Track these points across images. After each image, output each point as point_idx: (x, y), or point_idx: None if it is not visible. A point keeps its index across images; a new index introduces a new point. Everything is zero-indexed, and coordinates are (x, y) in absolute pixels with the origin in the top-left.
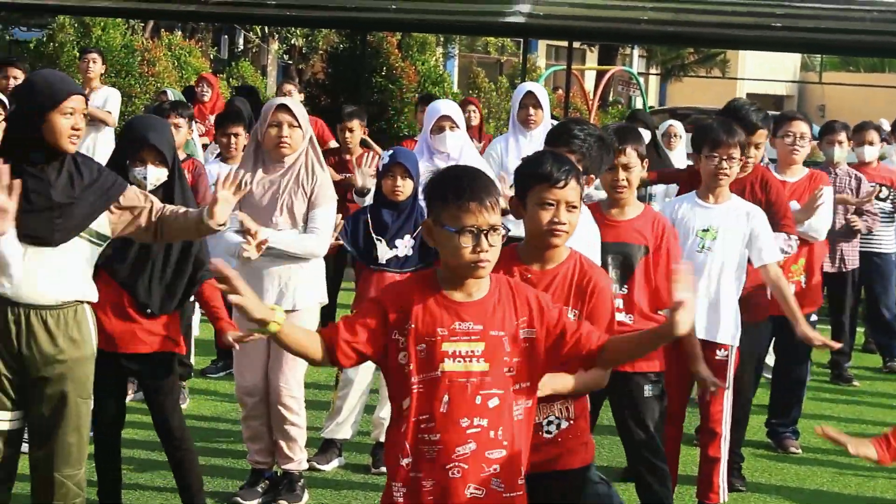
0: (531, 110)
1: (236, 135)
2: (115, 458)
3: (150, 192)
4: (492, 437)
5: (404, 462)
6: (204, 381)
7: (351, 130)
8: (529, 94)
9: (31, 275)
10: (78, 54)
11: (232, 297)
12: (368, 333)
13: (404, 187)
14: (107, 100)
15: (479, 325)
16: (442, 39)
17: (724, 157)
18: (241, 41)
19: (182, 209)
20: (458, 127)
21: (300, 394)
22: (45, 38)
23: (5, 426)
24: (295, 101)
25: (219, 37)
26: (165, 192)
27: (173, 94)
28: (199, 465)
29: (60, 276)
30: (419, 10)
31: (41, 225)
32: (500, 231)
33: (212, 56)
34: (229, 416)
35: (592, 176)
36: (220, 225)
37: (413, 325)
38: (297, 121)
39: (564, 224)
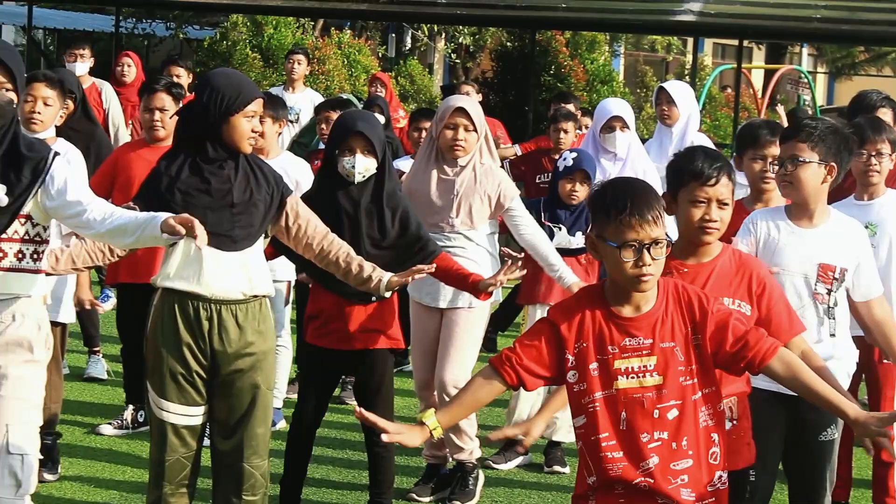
0: (664, 107)
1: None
2: (307, 454)
3: (360, 183)
4: (674, 449)
5: (590, 480)
6: None
7: (565, 132)
8: (661, 90)
9: (219, 271)
10: (250, 53)
11: (385, 437)
12: (544, 357)
13: (581, 192)
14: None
15: (649, 339)
16: (608, 37)
17: (873, 153)
18: (408, 39)
19: (353, 257)
20: (628, 128)
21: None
22: (217, 37)
23: (198, 420)
24: (472, 101)
25: (387, 35)
26: (375, 186)
27: (348, 97)
28: (394, 464)
29: (246, 271)
30: (589, 9)
31: (224, 223)
32: (664, 243)
33: (380, 54)
34: (401, 412)
35: (833, 165)
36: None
37: (584, 344)
38: (473, 124)
39: (716, 221)
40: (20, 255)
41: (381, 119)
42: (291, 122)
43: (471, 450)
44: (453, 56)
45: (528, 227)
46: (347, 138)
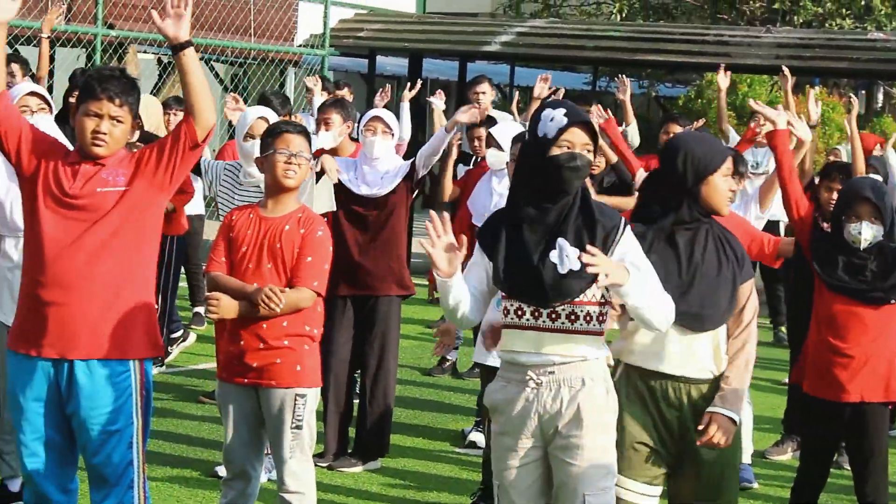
0: None
1: None
2: None
3: (864, 250)
4: None
5: None
6: None
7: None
8: None
9: (686, 352)
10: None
11: None
12: None
13: None
14: None
15: None
16: None
17: None
18: (880, 96)
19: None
20: None
21: None
22: (692, 95)
23: (655, 502)
24: None
25: (857, 92)
26: (880, 256)
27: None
28: None
29: (713, 350)
30: None
31: (693, 301)
32: None
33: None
34: None
35: None
36: None
37: None
38: None
39: None
40: (588, 318)
41: None
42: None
43: None
44: None
45: None
46: (855, 204)
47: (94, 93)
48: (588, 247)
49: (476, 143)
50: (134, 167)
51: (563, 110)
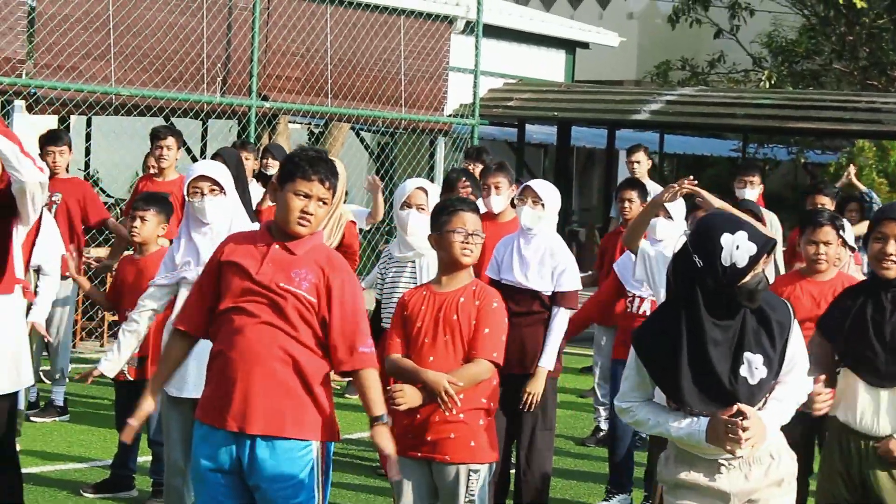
0: None
1: None
2: None
3: None
4: None
5: None
6: None
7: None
8: None
9: (872, 407)
10: (876, 178)
11: None
12: None
13: None
14: None
15: None
16: None
17: None
18: None
19: None
20: None
21: None
22: (843, 162)
23: None
24: None
25: None
26: None
27: None
28: None
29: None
30: None
31: (882, 361)
32: None
33: None
34: None
35: None
36: None
37: None
38: None
39: None
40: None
41: None
42: None
43: None
44: None
45: None
46: None
47: (306, 174)
48: (743, 421)
49: (626, 204)
50: (324, 286)
51: (744, 234)
